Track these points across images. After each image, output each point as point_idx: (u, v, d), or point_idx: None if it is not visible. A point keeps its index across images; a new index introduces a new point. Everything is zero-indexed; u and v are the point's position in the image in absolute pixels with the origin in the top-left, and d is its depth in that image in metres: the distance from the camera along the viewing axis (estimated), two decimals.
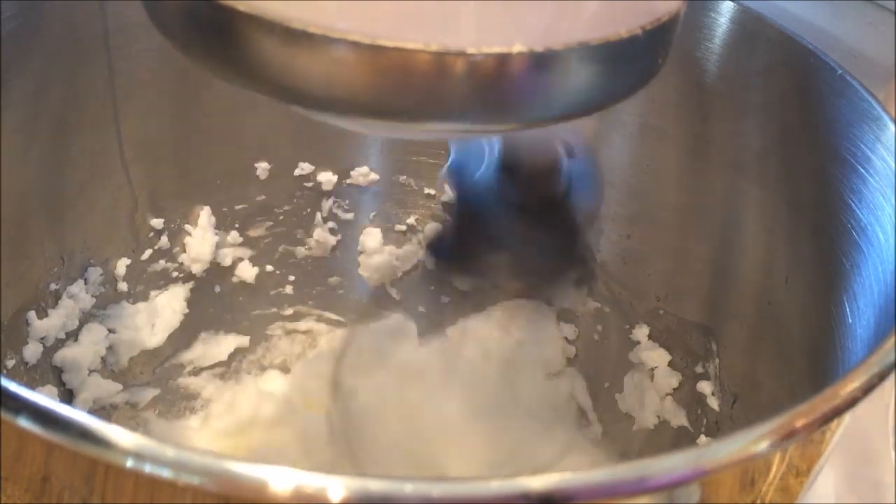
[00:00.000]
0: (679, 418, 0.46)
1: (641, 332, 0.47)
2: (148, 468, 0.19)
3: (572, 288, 0.48)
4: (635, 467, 0.21)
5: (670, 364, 0.46)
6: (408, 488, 0.19)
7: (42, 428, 0.19)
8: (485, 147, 0.36)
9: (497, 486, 0.20)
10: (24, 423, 0.19)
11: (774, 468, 0.25)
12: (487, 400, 0.46)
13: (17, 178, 0.37)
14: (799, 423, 0.22)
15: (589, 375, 0.49)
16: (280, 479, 0.19)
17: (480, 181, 0.36)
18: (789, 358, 0.39)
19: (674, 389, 0.46)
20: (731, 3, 0.39)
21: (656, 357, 0.47)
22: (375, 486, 0.19)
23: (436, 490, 0.19)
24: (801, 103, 0.38)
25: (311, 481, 0.19)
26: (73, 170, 0.39)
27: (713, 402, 0.44)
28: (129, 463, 0.19)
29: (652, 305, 0.47)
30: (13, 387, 0.20)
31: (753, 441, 0.22)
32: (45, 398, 0.19)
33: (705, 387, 0.45)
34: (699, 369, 0.45)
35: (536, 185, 0.37)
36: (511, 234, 0.39)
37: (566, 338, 0.49)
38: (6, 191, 0.37)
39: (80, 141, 0.40)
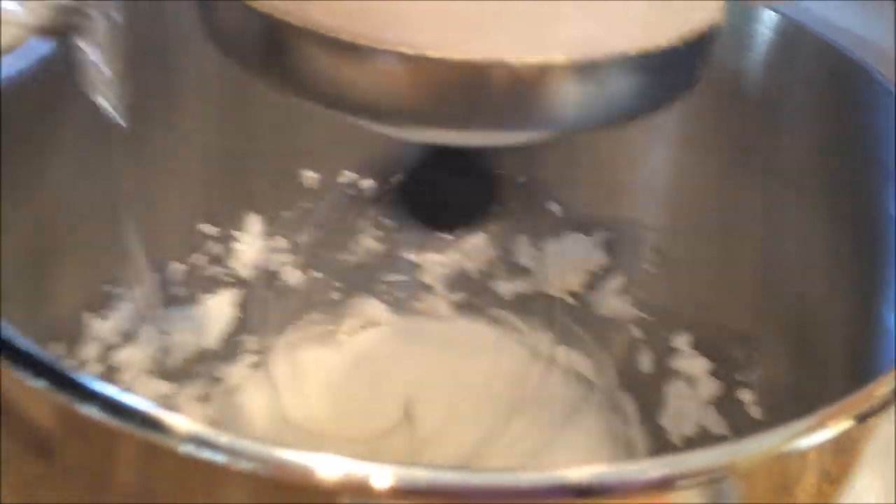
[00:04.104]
0: (720, 427, 0.46)
1: (682, 341, 0.48)
2: (204, 454, 0.20)
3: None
4: (671, 461, 0.21)
5: (712, 372, 0.47)
6: (449, 477, 0.20)
7: (106, 415, 0.20)
8: None
9: (536, 476, 0.21)
10: (89, 411, 0.21)
11: (808, 473, 0.25)
12: (525, 402, 0.47)
13: (80, 186, 0.39)
14: (830, 422, 0.23)
15: (629, 384, 0.49)
16: (328, 465, 0.20)
17: None
18: (830, 367, 0.39)
19: (715, 398, 0.46)
20: (772, 13, 0.40)
21: (697, 365, 0.47)
22: (420, 474, 0.20)
23: (476, 479, 0.20)
24: (843, 113, 0.38)
25: (358, 469, 0.20)
26: (130, 177, 0.41)
27: (754, 411, 0.44)
28: (185, 448, 0.20)
29: (694, 314, 0.47)
30: (79, 376, 0.21)
31: (787, 438, 0.22)
32: (109, 387, 0.20)
33: (746, 395, 0.45)
34: (740, 378, 0.45)
35: None
36: None
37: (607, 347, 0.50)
38: (71, 198, 0.39)
39: (137, 149, 0.42)
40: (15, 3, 0.21)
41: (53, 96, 0.36)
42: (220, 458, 0.20)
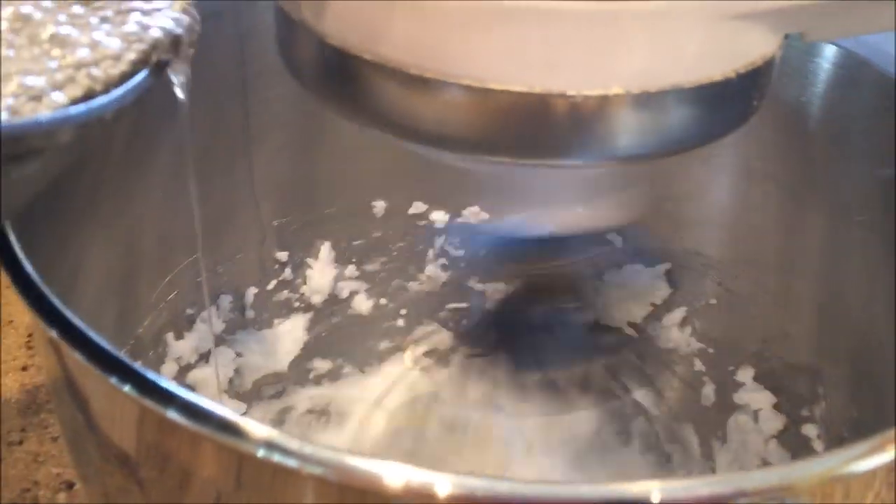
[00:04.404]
0: (783, 461, 0.45)
1: (746, 374, 0.48)
2: (276, 458, 0.21)
3: None
4: (728, 479, 0.22)
5: (775, 406, 0.46)
6: (507, 486, 0.21)
7: (188, 419, 0.22)
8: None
9: (594, 490, 0.21)
10: (172, 415, 0.22)
11: (866, 499, 0.25)
12: (585, 433, 0.47)
13: (166, 213, 0.41)
14: (889, 446, 0.23)
15: (691, 417, 0.49)
16: (393, 472, 0.21)
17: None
18: (894, 401, 0.39)
19: (778, 432, 0.46)
20: (834, 47, 0.40)
21: (761, 399, 0.47)
22: (477, 483, 0.21)
23: (534, 490, 0.21)
24: None
25: (421, 477, 0.21)
26: (210, 204, 0.43)
27: (818, 446, 0.44)
28: (261, 452, 0.21)
29: (757, 347, 0.47)
30: (164, 383, 0.23)
31: (844, 461, 0.23)
32: (191, 394, 0.22)
33: (811, 430, 0.44)
34: (805, 412, 0.45)
35: None
36: None
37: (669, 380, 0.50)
38: (158, 225, 0.41)
39: (217, 178, 0.44)
40: (116, 38, 0.23)
41: (144, 127, 0.38)
42: (292, 463, 0.21)
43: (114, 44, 0.23)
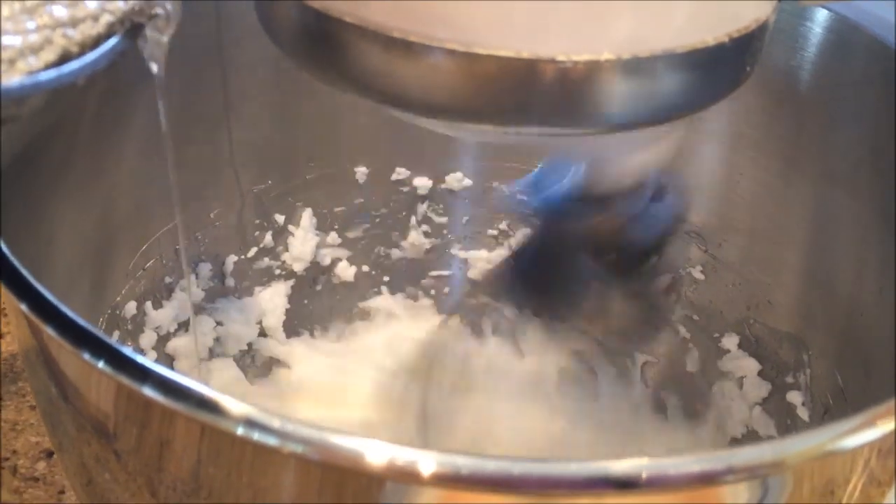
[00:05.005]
0: (768, 429, 0.45)
1: (731, 341, 0.47)
2: (256, 436, 0.21)
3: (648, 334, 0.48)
4: (716, 456, 0.22)
5: (760, 373, 0.46)
6: (490, 465, 0.20)
7: (164, 396, 0.21)
8: (570, 168, 0.36)
9: (579, 468, 0.21)
10: (148, 391, 0.22)
11: (854, 475, 0.25)
12: (569, 400, 0.47)
13: (142, 180, 0.40)
14: (879, 422, 0.23)
15: (677, 383, 0.49)
16: (375, 451, 0.20)
17: (557, 201, 0.36)
18: (880, 369, 0.38)
19: (763, 399, 0.46)
20: (825, 11, 0.39)
21: (746, 366, 0.47)
22: (462, 461, 0.20)
23: (519, 468, 0.20)
24: (895, 112, 0.37)
25: (404, 455, 0.21)
26: (187, 171, 0.42)
27: (803, 413, 0.44)
28: (240, 430, 0.21)
29: (742, 314, 0.47)
30: (140, 359, 0.22)
31: (833, 437, 0.22)
32: (168, 370, 0.21)
33: (795, 397, 0.44)
34: (790, 379, 0.45)
35: (613, 219, 0.36)
36: (583, 270, 0.38)
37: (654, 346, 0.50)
38: (134, 192, 0.40)
39: (194, 145, 0.43)
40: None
41: (118, 93, 0.37)
42: (272, 441, 0.21)
43: (92, 2, 0.22)
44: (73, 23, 0.21)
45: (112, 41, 0.22)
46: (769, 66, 0.40)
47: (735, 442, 0.46)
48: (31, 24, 0.21)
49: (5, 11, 0.21)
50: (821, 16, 0.40)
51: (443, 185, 0.51)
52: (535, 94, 0.24)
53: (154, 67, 0.25)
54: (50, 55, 0.21)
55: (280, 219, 0.49)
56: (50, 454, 0.43)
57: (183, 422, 0.22)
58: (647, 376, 0.50)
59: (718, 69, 0.25)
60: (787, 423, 0.44)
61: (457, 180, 0.51)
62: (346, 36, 0.25)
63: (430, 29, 0.24)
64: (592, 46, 0.23)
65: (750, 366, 0.47)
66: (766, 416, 0.46)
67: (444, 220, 0.52)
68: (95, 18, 0.22)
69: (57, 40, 0.21)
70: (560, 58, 0.23)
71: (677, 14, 0.24)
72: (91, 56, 0.22)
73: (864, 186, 0.39)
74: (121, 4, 0.22)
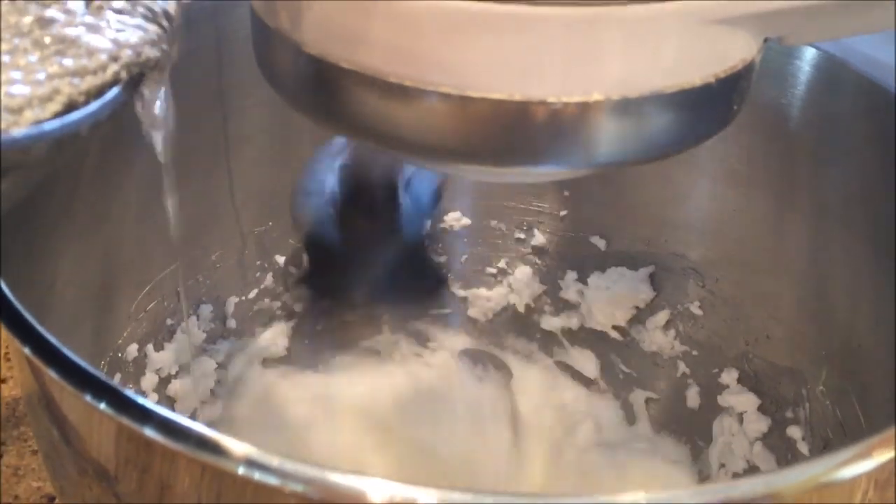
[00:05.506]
0: (769, 464, 0.45)
1: (730, 376, 0.48)
2: (257, 475, 0.21)
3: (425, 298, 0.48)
4: (714, 489, 0.22)
5: (760, 408, 0.46)
6: (489, 500, 0.20)
7: (165, 437, 0.22)
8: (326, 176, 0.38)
9: (578, 502, 0.21)
10: (149, 432, 0.22)
11: None
12: (570, 435, 0.47)
13: (143, 223, 0.40)
14: (875, 452, 0.23)
15: (677, 420, 0.49)
16: (376, 489, 0.21)
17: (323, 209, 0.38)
18: (878, 402, 0.39)
19: (763, 434, 0.46)
20: (813, 49, 0.40)
21: (745, 401, 0.47)
22: (461, 498, 0.21)
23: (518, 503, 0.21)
24: (885, 148, 0.38)
25: (405, 492, 0.21)
26: (189, 213, 0.42)
27: (803, 448, 0.44)
28: (241, 470, 0.21)
29: (741, 349, 0.47)
30: (141, 400, 0.22)
31: (831, 468, 0.23)
32: (168, 411, 0.22)
33: (795, 431, 0.44)
34: (789, 414, 0.45)
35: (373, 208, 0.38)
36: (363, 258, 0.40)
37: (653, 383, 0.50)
38: (136, 235, 0.41)
39: (196, 186, 0.44)
40: (107, 42, 0.22)
41: (119, 135, 0.38)
42: (273, 481, 0.21)
43: (104, 50, 0.22)
44: (82, 73, 0.22)
45: (114, 91, 0.23)
46: (760, 103, 0.41)
47: (736, 478, 0.46)
48: (41, 75, 0.21)
49: (20, 61, 0.22)
50: (808, 54, 0.40)
51: (441, 225, 0.51)
52: (527, 135, 0.24)
53: (157, 110, 0.26)
54: (57, 105, 0.21)
55: (280, 259, 0.49)
56: (52, 499, 0.43)
57: (184, 462, 0.22)
58: (648, 412, 0.50)
59: (706, 108, 0.26)
60: (788, 458, 0.44)
61: (455, 219, 0.51)
62: (343, 81, 0.26)
63: (424, 73, 0.25)
64: (582, 88, 0.24)
65: (749, 401, 0.47)
66: (767, 451, 0.46)
67: (442, 259, 0.52)
68: (104, 68, 0.22)
69: (64, 89, 0.21)
70: (551, 99, 0.24)
71: (665, 56, 0.25)
72: (94, 106, 0.22)
73: (856, 219, 0.40)
74: (129, 52, 0.23)
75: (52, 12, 0.23)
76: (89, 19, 0.23)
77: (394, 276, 0.45)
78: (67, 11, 0.23)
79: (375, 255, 0.43)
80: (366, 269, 0.44)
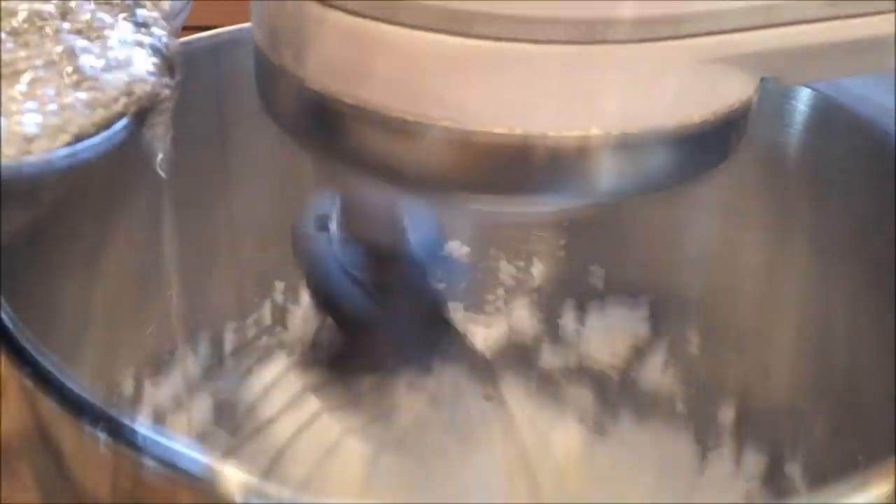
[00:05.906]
0: (767, 502, 0.45)
1: (728, 414, 0.47)
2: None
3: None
4: None
5: (758, 446, 0.46)
6: None
7: (163, 466, 0.21)
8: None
9: None
10: (147, 461, 0.22)
11: None
12: (570, 473, 0.47)
13: (146, 255, 0.40)
14: (873, 484, 0.23)
15: (673, 457, 0.49)
16: None
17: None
18: (879, 438, 0.38)
19: (761, 472, 0.46)
20: (808, 90, 0.41)
21: (744, 439, 0.47)
22: None
23: None
24: (881, 187, 0.38)
25: None
26: (186, 247, 0.43)
27: (802, 486, 0.43)
28: (239, 500, 0.21)
29: (739, 387, 0.47)
30: (139, 428, 0.22)
31: (829, 500, 0.23)
32: (169, 440, 0.22)
33: (794, 469, 0.44)
34: (787, 452, 0.45)
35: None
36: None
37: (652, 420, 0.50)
38: (137, 267, 0.41)
39: (194, 221, 0.44)
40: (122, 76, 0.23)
41: (122, 168, 0.38)
42: None
43: (118, 84, 0.23)
44: (94, 105, 0.22)
45: (123, 122, 0.23)
46: (758, 141, 0.42)
47: None
48: (54, 106, 0.22)
49: (38, 91, 0.22)
50: (804, 94, 0.41)
51: (441, 254, 0.51)
52: (527, 168, 0.25)
53: (159, 149, 0.26)
54: (67, 136, 0.22)
55: (279, 296, 0.49)
56: None
57: (183, 494, 0.22)
58: (645, 449, 0.50)
59: (703, 145, 0.26)
60: (786, 497, 0.44)
61: (455, 248, 0.51)
62: (344, 115, 0.26)
63: (426, 108, 0.25)
64: (582, 123, 0.24)
65: (748, 439, 0.47)
66: (765, 490, 0.45)
67: (440, 286, 0.52)
68: (115, 101, 0.23)
69: (76, 120, 0.22)
70: (551, 133, 0.24)
71: (663, 93, 0.25)
72: (103, 137, 0.23)
73: (854, 256, 0.40)
74: (142, 87, 0.23)
75: (83, 43, 0.23)
76: (112, 54, 0.24)
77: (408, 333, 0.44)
78: (99, 43, 0.24)
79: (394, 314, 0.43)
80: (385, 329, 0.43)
